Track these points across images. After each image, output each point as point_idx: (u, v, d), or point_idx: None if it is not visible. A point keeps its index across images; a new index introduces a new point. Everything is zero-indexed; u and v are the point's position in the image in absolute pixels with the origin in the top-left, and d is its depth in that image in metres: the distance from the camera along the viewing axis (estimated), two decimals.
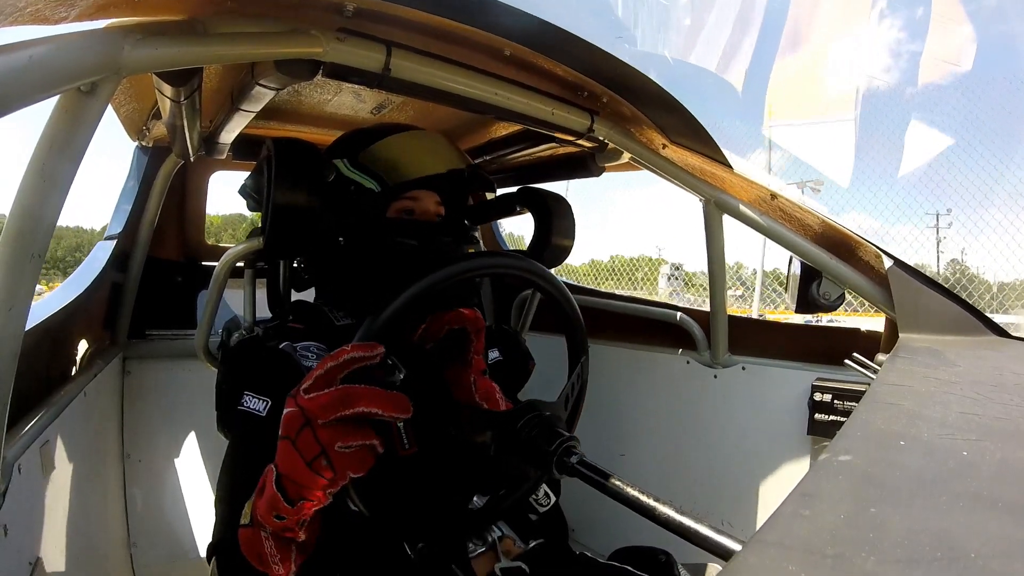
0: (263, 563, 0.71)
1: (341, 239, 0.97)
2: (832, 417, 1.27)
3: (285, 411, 0.66)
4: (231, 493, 0.85)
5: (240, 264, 1.12)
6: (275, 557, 0.70)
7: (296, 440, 0.64)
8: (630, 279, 12.18)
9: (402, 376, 0.93)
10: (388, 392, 0.66)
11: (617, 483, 0.70)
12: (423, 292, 0.74)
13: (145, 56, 0.67)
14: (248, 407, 0.86)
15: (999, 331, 1.09)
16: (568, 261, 1.30)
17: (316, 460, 0.63)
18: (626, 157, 1.30)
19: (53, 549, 0.97)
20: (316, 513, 0.69)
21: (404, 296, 0.73)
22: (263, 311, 1.10)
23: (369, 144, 0.97)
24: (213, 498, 0.87)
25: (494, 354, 1.15)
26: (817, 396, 1.29)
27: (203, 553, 0.99)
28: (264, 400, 0.86)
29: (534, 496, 0.96)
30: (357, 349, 0.67)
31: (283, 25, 0.78)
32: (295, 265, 1.13)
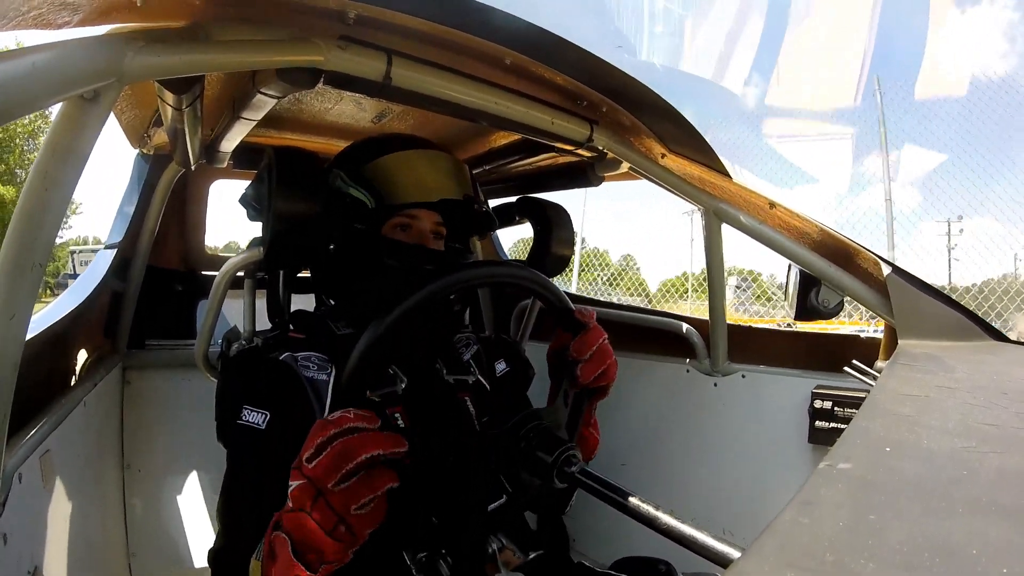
0: None
1: (332, 247, 0.97)
2: (832, 424, 1.27)
3: (292, 484, 0.66)
4: (232, 505, 0.85)
5: (240, 274, 1.12)
6: None
7: (312, 512, 0.64)
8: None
9: (404, 385, 0.93)
10: (383, 436, 0.66)
11: (618, 492, 0.70)
12: (425, 300, 0.73)
13: (147, 63, 0.67)
14: (247, 420, 0.86)
15: (998, 336, 1.09)
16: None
17: (335, 529, 0.64)
18: (625, 166, 1.30)
19: (52, 558, 0.96)
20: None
21: (409, 301, 0.73)
22: (263, 321, 1.10)
23: (372, 158, 0.97)
24: (214, 509, 0.87)
25: (501, 366, 1.15)
26: (817, 403, 1.29)
27: (202, 563, 0.99)
28: (263, 413, 0.86)
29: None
30: (360, 419, 0.66)
31: (285, 33, 0.78)
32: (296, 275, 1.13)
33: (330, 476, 0.63)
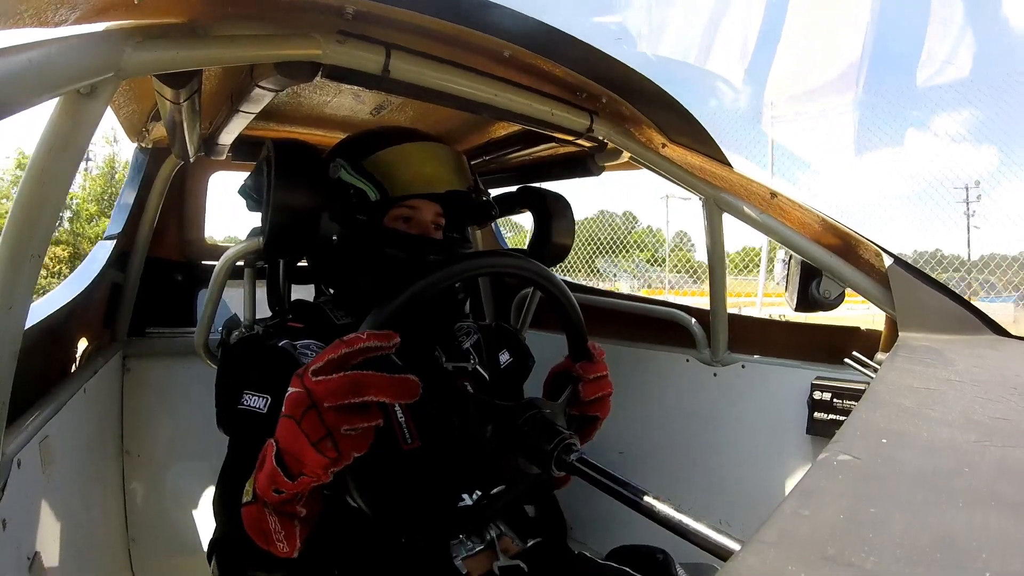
0: (268, 541, 0.70)
1: (335, 238, 0.97)
2: (832, 416, 1.27)
3: (290, 390, 0.66)
4: (233, 491, 0.85)
5: (240, 263, 1.12)
6: (279, 533, 0.70)
7: (301, 421, 0.64)
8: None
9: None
10: (396, 378, 0.66)
11: (616, 481, 0.70)
12: (430, 286, 0.74)
13: (145, 59, 0.67)
14: (248, 405, 0.86)
15: (999, 330, 1.09)
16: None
17: (321, 441, 0.63)
18: (626, 156, 1.30)
19: (52, 544, 0.97)
20: (315, 489, 0.69)
21: (412, 289, 0.73)
22: (263, 310, 1.10)
23: (373, 150, 0.97)
24: (212, 495, 0.87)
25: (505, 356, 1.15)
26: (817, 395, 1.29)
27: (201, 548, 0.99)
28: (264, 397, 0.86)
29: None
30: (373, 338, 0.67)
31: (283, 28, 0.78)
32: (295, 264, 1.13)
33: (331, 398, 0.63)
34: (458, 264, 0.78)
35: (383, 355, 0.68)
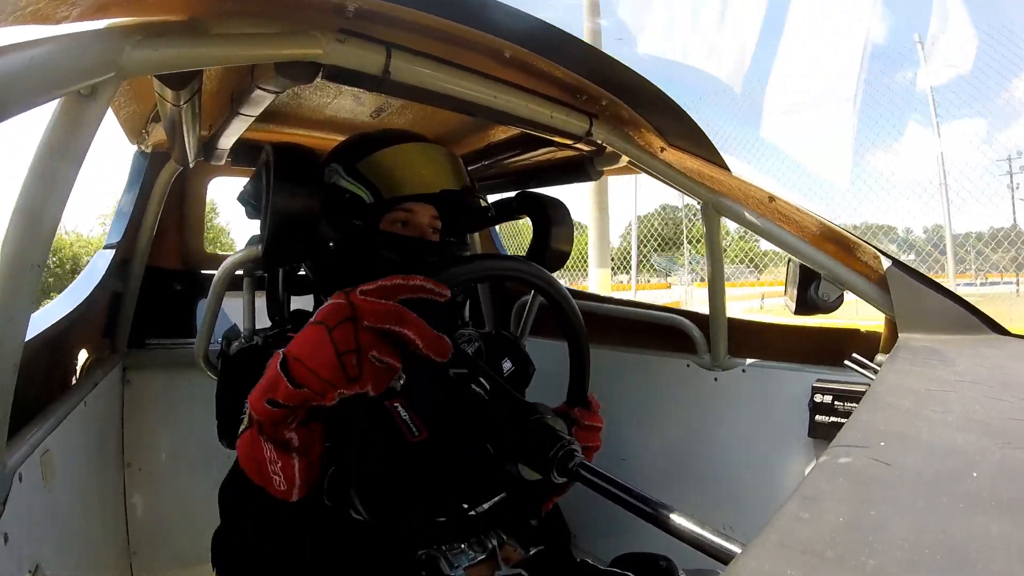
0: (263, 475, 0.69)
1: (331, 244, 0.97)
2: (833, 418, 1.27)
3: (331, 300, 0.66)
4: (239, 494, 0.84)
5: (239, 273, 1.12)
6: (275, 464, 0.69)
7: (334, 329, 0.63)
8: None
9: (402, 382, 0.93)
10: (434, 332, 0.66)
11: (618, 487, 0.70)
12: (498, 270, 0.80)
13: (145, 58, 0.67)
14: None
15: (999, 329, 1.09)
16: None
17: (347, 355, 0.63)
18: (624, 160, 1.30)
19: (53, 557, 0.97)
20: (314, 425, 0.68)
21: (484, 264, 0.78)
22: (262, 320, 1.10)
23: (368, 153, 0.97)
24: (214, 506, 0.86)
25: (508, 365, 1.14)
26: (817, 397, 1.29)
27: (203, 560, 0.99)
28: None
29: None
30: (428, 281, 0.67)
31: (283, 26, 0.77)
32: (300, 273, 1.13)
33: (372, 318, 0.63)
34: (527, 266, 0.82)
35: (429, 301, 0.68)
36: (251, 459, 0.70)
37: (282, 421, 0.67)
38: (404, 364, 0.91)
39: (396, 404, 0.91)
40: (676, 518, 0.64)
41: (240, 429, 0.72)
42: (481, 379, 1.05)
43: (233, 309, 1.25)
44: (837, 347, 1.32)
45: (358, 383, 0.64)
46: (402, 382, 0.93)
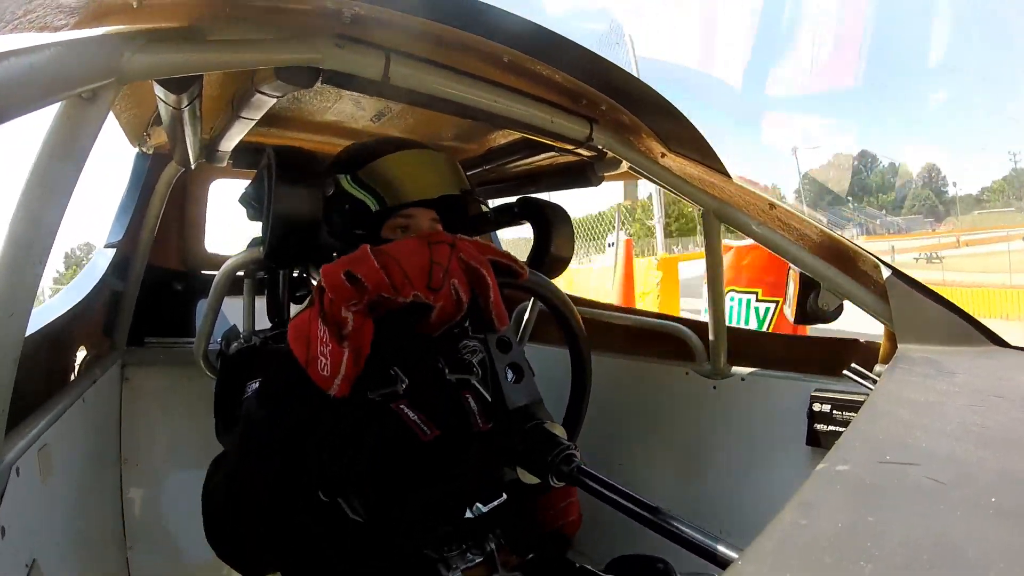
0: (311, 351, 0.70)
1: (335, 254, 0.97)
2: (831, 427, 1.27)
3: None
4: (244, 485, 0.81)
5: (240, 274, 1.12)
6: (326, 346, 0.69)
7: (434, 245, 0.74)
8: None
9: (404, 385, 0.93)
10: (501, 298, 0.77)
11: (615, 491, 0.70)
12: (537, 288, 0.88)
13: (146, 63, 0.67)
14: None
15: (997, 340, 1.09)
16: None
17: (437, 267, 0.71)
18: (625, 166, 1.30)
19: (50, 551, 0.97)
20: (368, 322, 0.72)
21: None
22: (262, 321, 1.10)
23: (369, 161, 0.98)
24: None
25: (509, 373, 1.14)
26: (816, 407, 1.29)
27: (198, 556, 0.98)
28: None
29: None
30: (516, 261, 0.82)
31: (282, 32, 0.78)
32: (296, 275, 1.13)
33: (467, 253, 0.74)
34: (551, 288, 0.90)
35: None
36: (302, 335, 0.70)
37: (346, 300, 0.69)
38: (404, 371, 0.92)
39: (402, 406, 0.90)
40: (674, 522, 0.64)
41: (300, 308, 0.76)
42: (479, 385, 1.05)
43: (232, 310, 1.26)
44: (836, 357, 1.32)
45: (433, 295, 0.70)
46: (404, 386, 0.93)
